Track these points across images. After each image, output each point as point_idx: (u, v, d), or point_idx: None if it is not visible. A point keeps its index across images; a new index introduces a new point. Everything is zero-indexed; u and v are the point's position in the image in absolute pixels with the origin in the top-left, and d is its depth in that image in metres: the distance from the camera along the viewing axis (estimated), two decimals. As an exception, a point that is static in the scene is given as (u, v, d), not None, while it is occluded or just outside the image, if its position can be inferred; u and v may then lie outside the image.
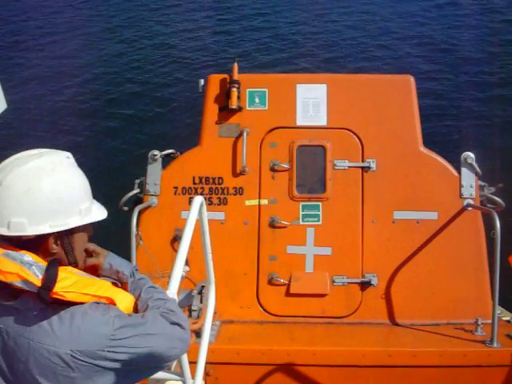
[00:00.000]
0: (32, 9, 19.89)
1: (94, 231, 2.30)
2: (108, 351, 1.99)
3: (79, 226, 2.13)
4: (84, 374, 1.98)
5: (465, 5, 17.25)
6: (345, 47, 15.41)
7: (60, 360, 1.95)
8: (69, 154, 2.19)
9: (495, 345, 4.04)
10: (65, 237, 2.10)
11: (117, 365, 2.03)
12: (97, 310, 2.03)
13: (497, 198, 4.66)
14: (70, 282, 1.97)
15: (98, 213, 2.23)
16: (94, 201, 2.26)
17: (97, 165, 10.42)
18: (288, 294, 4.64)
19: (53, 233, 2.05)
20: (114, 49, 16.75)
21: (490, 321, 4.15)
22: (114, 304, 2.11)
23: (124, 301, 2.19)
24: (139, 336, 2.08)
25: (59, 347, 1.95)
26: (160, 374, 3.09)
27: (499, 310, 4.50)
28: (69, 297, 1.95)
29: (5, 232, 1.99)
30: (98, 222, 2.22)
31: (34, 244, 2.04)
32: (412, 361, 4.04)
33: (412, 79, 4.89)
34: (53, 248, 2.08)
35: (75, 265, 2.18)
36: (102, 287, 2.11)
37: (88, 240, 2.29)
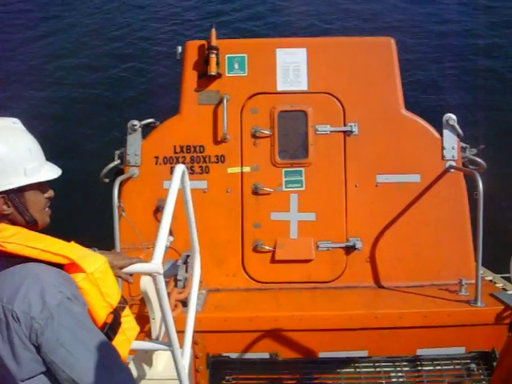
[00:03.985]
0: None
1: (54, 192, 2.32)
2: (38, 324, 1.90)
3: (29, 185, 2.17)
4: (21, 341, 1.90)
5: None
6: (326, 12, 15.23)
7: (4, 317, 1.90)
8: (16, 120, 2.27)
9: (479, 304, 4.09)
10: (15, 197, 2.14)
11: (35, 347, 1.92)
12: (52, 276, 1.97)
13: (479, 160, 4.66)
14: (10, 233, 1.99)
15: (47, 173, 2.26)
16: (47, 162, 2.30)
17: (73, 135, 10.28)
18: (273, 260, 4.64)
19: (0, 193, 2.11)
20: (91, 17, 16.39)
21: (473, 281, 4.20)
22: (80, 267, 2.02)
23: (95, 263, 2.08)
24: (74, 335, 1.93)
25: (6, 303, 1.90)
26: (148, 345, 3.10)
27: (482, 270, 4.56)
28: (11, 248, 1.94)
29: None
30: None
31: None
32: (398, 322, 4.08)
33: (393, 41, 4.83)
34: (4, 209, 2.11)
35: (35, 224, 2.21)
36: (57, 244, 2.03)
37: (49, 200, 2.29)
